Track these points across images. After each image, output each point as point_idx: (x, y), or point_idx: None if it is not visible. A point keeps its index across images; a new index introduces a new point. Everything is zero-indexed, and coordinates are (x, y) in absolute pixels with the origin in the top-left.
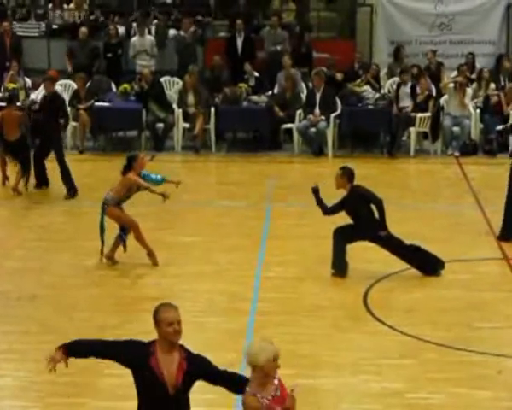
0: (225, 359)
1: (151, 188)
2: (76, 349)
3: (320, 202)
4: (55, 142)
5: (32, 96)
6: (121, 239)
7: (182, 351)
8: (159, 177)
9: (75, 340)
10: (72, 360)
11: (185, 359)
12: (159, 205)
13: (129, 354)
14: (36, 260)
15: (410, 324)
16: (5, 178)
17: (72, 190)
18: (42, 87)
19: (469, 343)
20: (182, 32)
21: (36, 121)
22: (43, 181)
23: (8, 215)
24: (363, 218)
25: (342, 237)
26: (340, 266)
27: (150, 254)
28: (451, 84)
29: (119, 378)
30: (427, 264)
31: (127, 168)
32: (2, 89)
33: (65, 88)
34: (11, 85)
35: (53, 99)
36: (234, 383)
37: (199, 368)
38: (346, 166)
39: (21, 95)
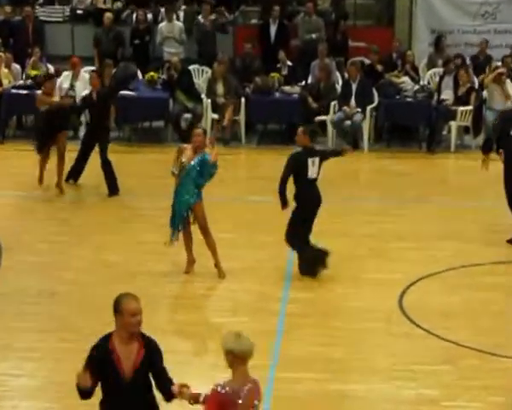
0: (253, 361)
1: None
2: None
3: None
4: (100, 139)
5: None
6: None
7: (140, 338)
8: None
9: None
10: None
11: (144, 346)
12: None
13: (97, 364)
14: (57, 254)
15: (448, 328)
16: (42, 177)
17: (113, 189)
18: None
19: (509, 350)
20: (201, 19)
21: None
22: (73, 176)
23: (30, 208)
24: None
25: (296, 236)
26: (308, 269)
27: (190, 262)
28: (490, 76)
29: None
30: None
31: None
32: (24, 76)
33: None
34: (33, 72)
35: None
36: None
37: (152, 357)
38: (307, 125)
39: None
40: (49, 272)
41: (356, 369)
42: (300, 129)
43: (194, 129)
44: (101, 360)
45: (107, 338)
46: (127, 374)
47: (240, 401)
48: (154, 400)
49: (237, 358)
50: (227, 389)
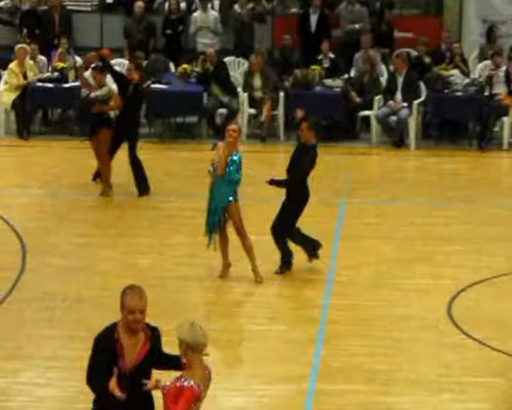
0: (292, 372)
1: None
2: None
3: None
4: (130, 135)
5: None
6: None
7: (147, 330)
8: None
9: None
10: None
11: (150, 339)
12: None
13: (107, 354)
14: (84, 257)
15: (500, 337)
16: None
17: (144, 189)
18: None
19: None
20: (238, 9)
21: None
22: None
23: (56, 208)
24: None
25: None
26: (288, 263)
27: (226, 265)
28: None
29: None
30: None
31: None
32: (50, 68)
33: (118, 66)
34: (60, 65)
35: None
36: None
37: (156, 349)
38: (312, 118)
39: (71, 75)
40: (75, 276)
41: (401, 381)
42: (304, 123)
43: (229, 125)
44: (105, 349)
45: (112, 328)
46: (128, 365)
47: (202, 395)
48: (150, 393)
49: (190, 348)
50: (199, 386)
